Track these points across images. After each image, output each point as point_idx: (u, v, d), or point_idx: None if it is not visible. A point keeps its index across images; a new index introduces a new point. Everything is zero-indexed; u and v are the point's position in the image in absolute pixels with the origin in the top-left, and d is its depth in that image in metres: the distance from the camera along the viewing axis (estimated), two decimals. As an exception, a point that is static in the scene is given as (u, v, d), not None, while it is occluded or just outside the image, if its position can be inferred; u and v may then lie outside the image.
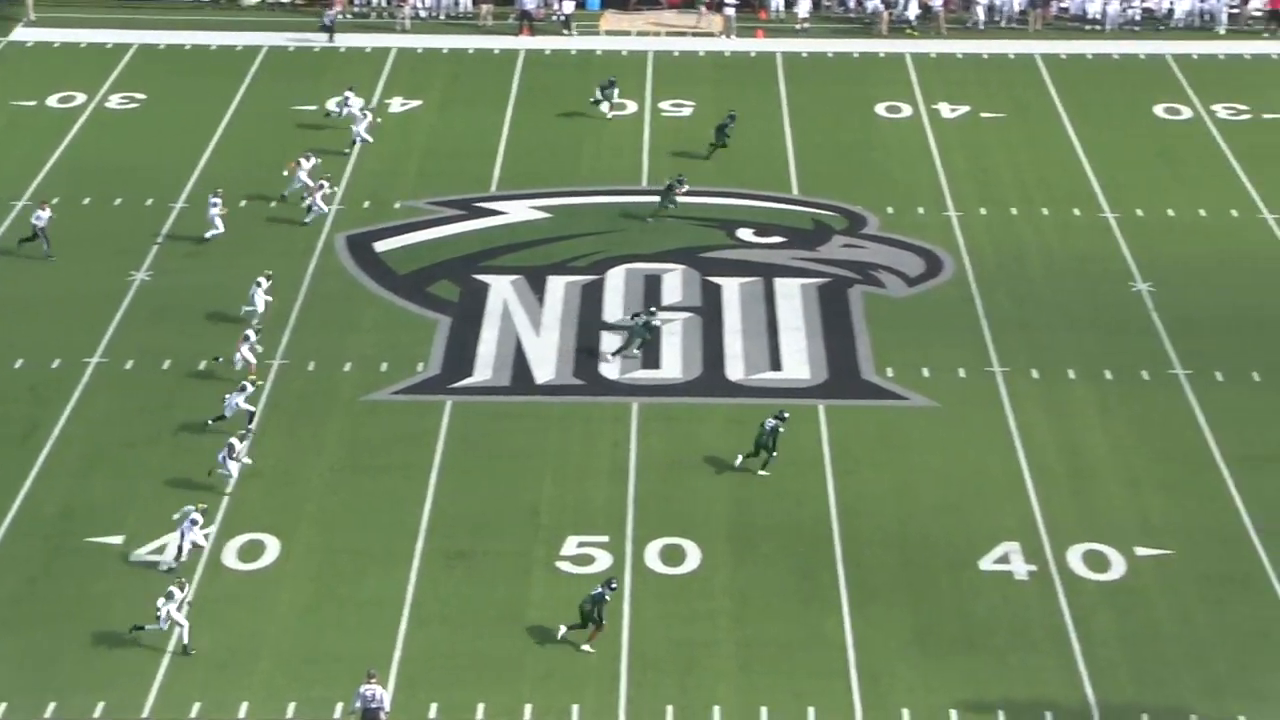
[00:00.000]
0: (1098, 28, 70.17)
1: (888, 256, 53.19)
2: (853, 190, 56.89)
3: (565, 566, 40.00)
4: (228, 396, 44.15)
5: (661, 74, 65.97)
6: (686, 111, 62.69)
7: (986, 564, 39.98)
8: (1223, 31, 69.84)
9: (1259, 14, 70.11)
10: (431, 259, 52.74)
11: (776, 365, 47.74)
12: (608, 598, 37.63)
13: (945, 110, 62.72)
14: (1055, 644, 37.72)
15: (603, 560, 40.14)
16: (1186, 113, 62.82)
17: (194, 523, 39.87)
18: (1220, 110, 62.93)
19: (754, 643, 37.77)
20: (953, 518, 41.50)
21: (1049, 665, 37.13)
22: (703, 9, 70.34)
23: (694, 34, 70.05)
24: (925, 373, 47.10)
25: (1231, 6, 70.50)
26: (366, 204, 55.57)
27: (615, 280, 51.75)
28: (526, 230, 54.59)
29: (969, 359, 47.62)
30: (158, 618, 37.25)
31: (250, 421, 44.06)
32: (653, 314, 48.35)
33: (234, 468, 42.34)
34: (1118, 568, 39.99)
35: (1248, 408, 45.60)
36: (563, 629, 37.76)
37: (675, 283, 51.69)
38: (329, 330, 48.87)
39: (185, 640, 37.35)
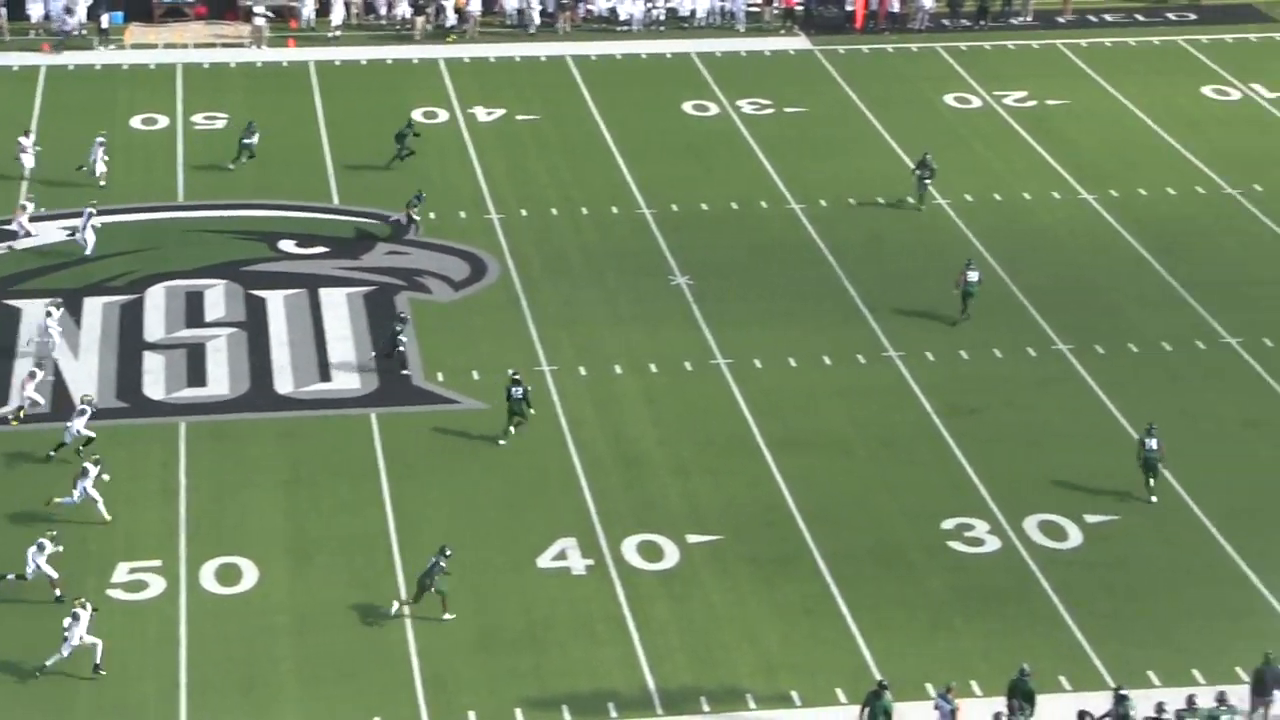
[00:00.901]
0: (626, 28, 71.62)
1: (432, 262, 53.32)
2: (394, 197, 56.82)
3: (117, 594, 38.94)
4: (67, 424, 42.92)
5: (192, 86, 64.81)
6: (220, 124, 61.73)
7: (545, 561, 40.44)
8: (742, 30, 72.05)
9: (778, 11, 72.54)
10: (-41, 285, 50.79)
11: (326, 376, 47.40)
12: (442, 564, 38.03)
13: (481, 114, 63.19)
14: (615, 635, 38.37)
15: (156, 585, 39.25)
16: (714, 109, 64.62)
17: (40, 548, 38.43)
18: (745, 105, 64.92)
19: (316, 657, 37.43)
20: (510, 517, 41.84)
21: (610, 656, 37.75)
22: (258, 20, 68.94)
23: (223, 45, 68.99)
24: (475, 375, 47.38)
25: (751, 6, 72.76)
26: (-114, 231, 53.24)
27: (155, 299, 50.64)
28: (58, 251, 52.97)
29: (518, 359, 48.06)
30: (65, 640, 36.32)
31: (89, 445, 43.00)
32: (404, 321, 47.78)
33: (95, 493, 40.88)
34: (671, 556, 40.89)
35: (785, 392, 47.16)
36: (395, 605, 38.08)
37: (218, 298, 50.86)
38: None
39: (97, 659, 36.56)
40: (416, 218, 54.60)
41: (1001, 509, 42.50)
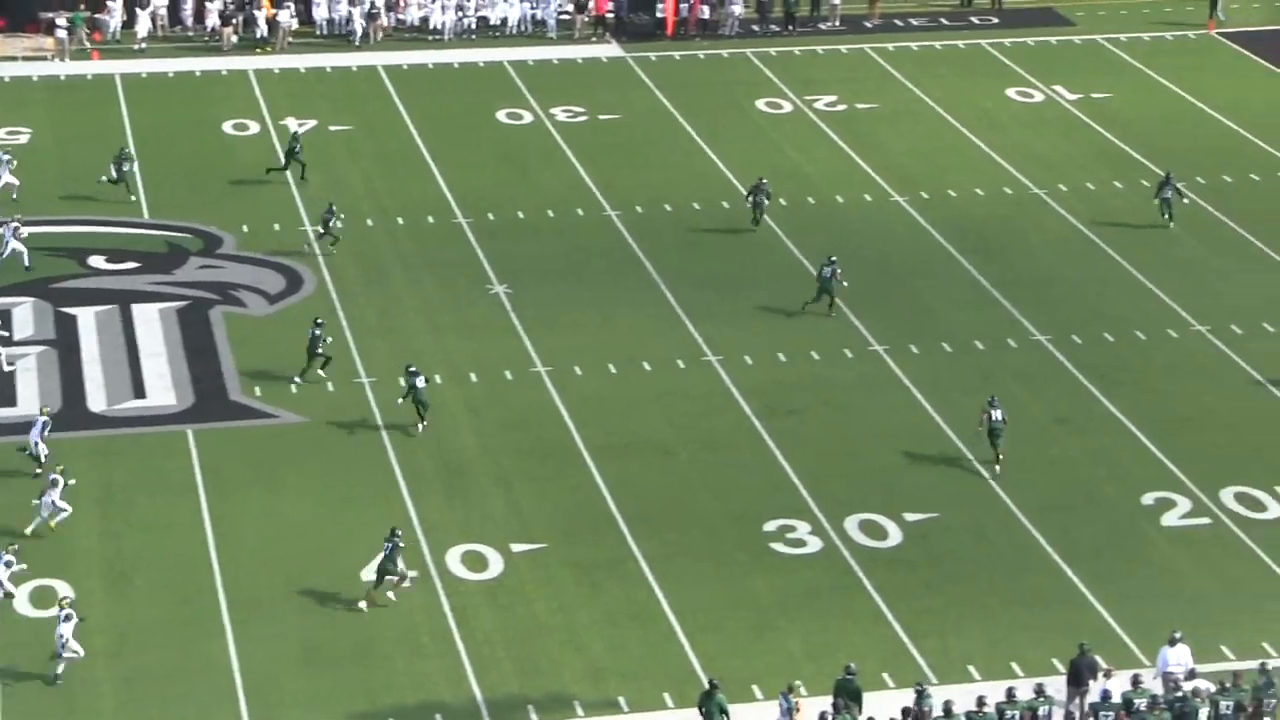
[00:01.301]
0: (437, 38, 71.39)
1: (247, 275, 52.74)
2: (206, 210, 56.19)
3: (-71, 620, 38.12)
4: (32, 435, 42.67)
5: (-6, 100, 63.71)
6: (24, 139, 60.63)
7: (368, 574, 40.08)
8: (554, 37, 72.12)
9: (589, 19, 72.67)
10: None
11: (140, 393, 46.71)
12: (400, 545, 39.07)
13: (293, 125, 62.58)
14: (440, 647, 38.17)
15: (-30, 610, 38.47)
16: (528, 117, 64.62)
17: (8, 565, 37.87)
18: (559, 113, 65.01)
19: (135, 677, 36.80)
20: (331, 530, 41.48)
21: (436, 668, 37.55)
22: (60, 32, 67.54)
23: (24, 58, 67.74)
24: (293, 389, 46.94)
25: (563, 14, 72.83)
26: None
27: (-39, 317, 49.69)
28: None
29: (336, 371, 47.70)
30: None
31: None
32: (320, 324, 47.50)
33: (64, 504, 40.93)
34: (496, 566, 40.77)
35: (606, 398, 47.25)
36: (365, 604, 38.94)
37: (26, 316, 49.93)
38: None
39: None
40: (330, 230, 53.76)
41: (822, 509, 42.89)
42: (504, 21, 72.42)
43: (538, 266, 53.63)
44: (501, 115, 64.63)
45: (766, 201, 56.41)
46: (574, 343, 49.60)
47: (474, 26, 72.09)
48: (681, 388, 47.81)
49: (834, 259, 51.37)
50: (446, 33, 71.56)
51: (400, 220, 56.28)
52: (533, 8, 72.62)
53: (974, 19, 75.15)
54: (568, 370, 48.33)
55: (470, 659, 37.82)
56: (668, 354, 49.25)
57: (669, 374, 48.40)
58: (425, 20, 71.94)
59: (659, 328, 50.63)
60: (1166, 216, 56.54)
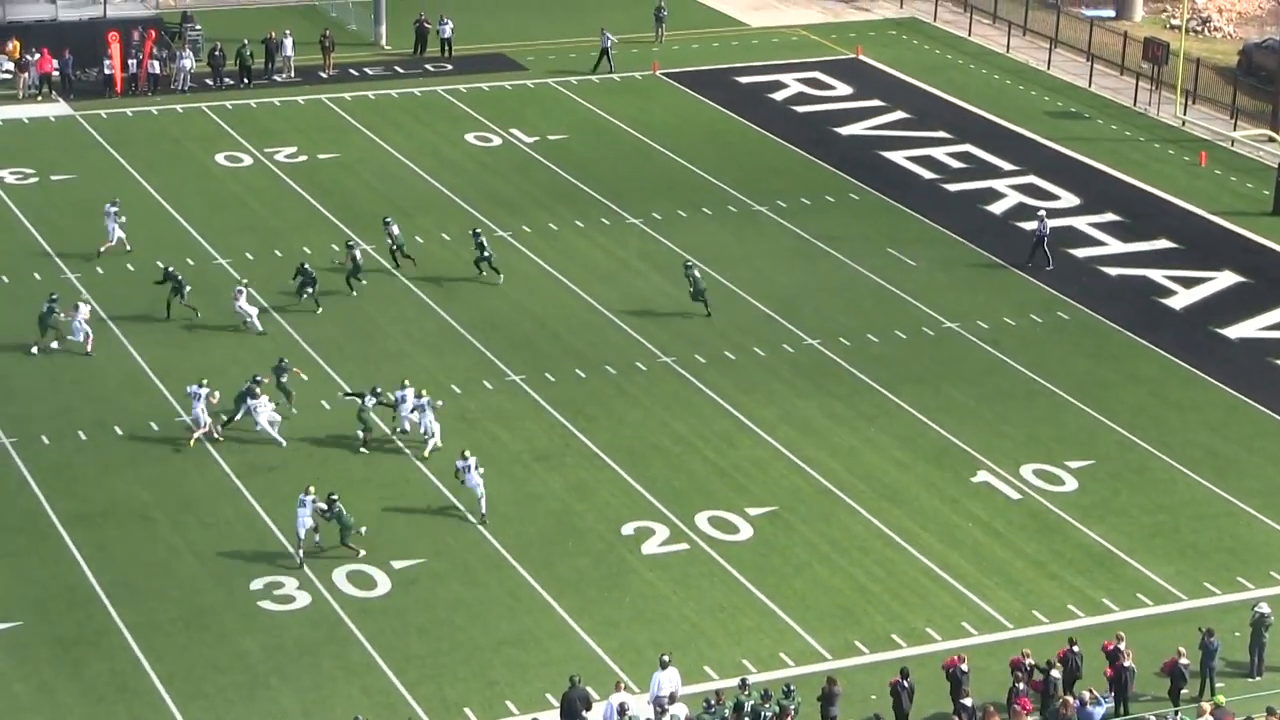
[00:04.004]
0: None
1: None
2: None
3: None
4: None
5: None
6: None
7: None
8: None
9: (33, 78, 70.44)
10: None
11: None
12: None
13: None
14: (-87, 739, 36.41)
15: None
16: (-25, 181, 62.45)
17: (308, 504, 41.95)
18: (7, 175, 62.94)
19: None
20: None
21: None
22: None
23: None
24: None
25: (4, 73, 70.38)
26: None
27: None
28: None
29: None
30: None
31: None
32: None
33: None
34: (-32, 648, 39.12)
35: (76, 465, 45.83)
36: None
37: None
38: None
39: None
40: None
41: (310, 564, 42.47)
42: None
43: (-5, 334, 51.77)
44: (-54, 180, 62.20)
45: (486, 255, 56.01)
46: (36, 410, 47.95)
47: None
48: (155, 451, 46.71)
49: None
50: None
51: None
52: (-33, 68, 70.22)
53: (429, 66, 75.80)
54: (33, 439, 46.64)
55: (-53, 749, 36.15)
56: (139, 417, 48.04)
57: (141, 437, 47.20)
58: None
59: (131, 389, 49.38)
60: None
